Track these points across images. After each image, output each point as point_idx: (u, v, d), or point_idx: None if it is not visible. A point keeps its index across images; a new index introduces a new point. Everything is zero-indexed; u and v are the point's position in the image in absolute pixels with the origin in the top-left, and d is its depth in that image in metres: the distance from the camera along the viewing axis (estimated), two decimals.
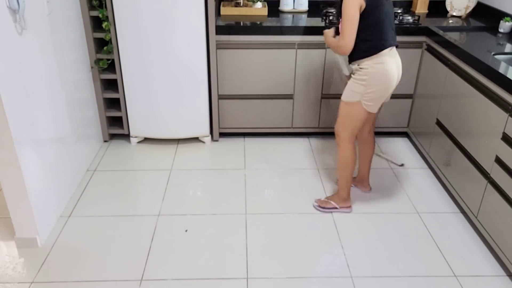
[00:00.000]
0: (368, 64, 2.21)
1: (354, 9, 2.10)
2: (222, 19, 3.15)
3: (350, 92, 2.31)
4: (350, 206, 2.58)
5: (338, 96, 3.21)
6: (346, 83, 2.45)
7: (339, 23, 2.25)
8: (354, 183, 2.77)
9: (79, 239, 2.36)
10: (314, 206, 2.60)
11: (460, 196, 2.57)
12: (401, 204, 2.67)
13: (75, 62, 2.78)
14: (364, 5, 2.11)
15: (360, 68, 2.24)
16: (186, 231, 2.40)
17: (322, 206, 2.57)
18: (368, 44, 2.20)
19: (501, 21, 2.89)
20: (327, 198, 2.62)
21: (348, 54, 2.22)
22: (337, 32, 2.34)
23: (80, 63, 2.88)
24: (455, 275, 2.15)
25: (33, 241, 2.28)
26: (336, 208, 2.56)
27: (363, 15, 2.13)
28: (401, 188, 2.82)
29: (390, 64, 2.23)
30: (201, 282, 2.09)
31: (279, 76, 3.15)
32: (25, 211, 2.21)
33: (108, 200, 2.68)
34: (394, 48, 2.27)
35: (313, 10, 3.40)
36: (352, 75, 2.32)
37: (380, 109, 2.44)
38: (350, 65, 2.34)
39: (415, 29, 3.05)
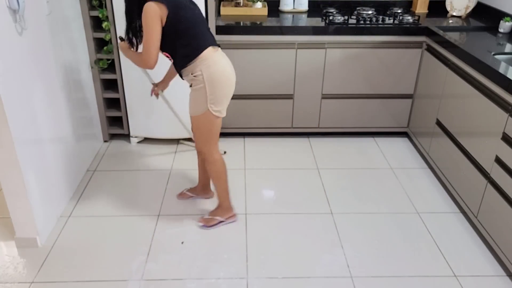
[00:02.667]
0: (200, 69, 2.10)
1: (155, 21, 1.99)
2: (222, 19, 3.15)
3: (195, 104, 2.19)
4: (234, 215, 2.49)
5: (339, 96, 3.25)
6: (153, 90, 2.57)
7: (129, 38, 2.18)
8: (195, 193, 2.68)
9: (79, 239, 2.36)
10: (200, 227, 2.45)
11: (460, 196, 2.57)
12: (401, 204, 2.67)
13: (75, 62, 2.78)
14: (166, 13, 2.00)
15: (195, 76, 2.13)
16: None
17: (209, 224, 2.43)
18: (188, 48, 2.10)
19: (501, 21, 2.89)
20: (210, 214, 2.48)
21: (153, 68, 2.09)
22: (133, 45, 2.23)
23: (80, 63, 2.88)
24: (455, 275, 2.15)
25: (33, 241, 2.28)
26: (222, 221, 2.45)
27: (171, 22, 2.02)
28: (401, 188, 2.82)
29: (221, 63, 2.15)
30: (201, 282, 2.09)
31: (279, 76, 3.15)
32: (25, 211, 2.21)
33: (108, 200, 2.68)
34: (219, 49, 2.20)
35: (313, 10, 3.40)
36: (190, 87, 2.20)
37: None
38: (184, 77, 2.23)
39: (415, 29, 3.05)
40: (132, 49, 2.22)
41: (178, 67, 2.18)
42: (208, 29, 2.21)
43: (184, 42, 2.09)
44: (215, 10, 2.97)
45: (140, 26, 2.10)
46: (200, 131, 2.26)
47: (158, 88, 2.58)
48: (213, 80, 2.12)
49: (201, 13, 2.18)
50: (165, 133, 3.27)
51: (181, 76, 2.24)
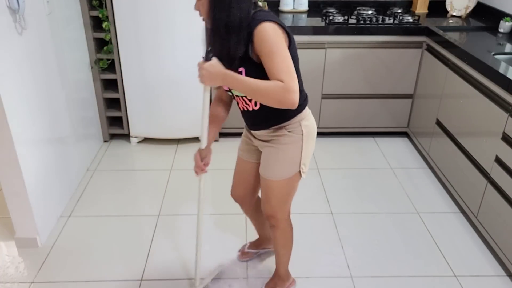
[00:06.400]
0: (300, 123, 1.63)
1: (284, 42, 1.46)
2: None
3: (283, 165, 1.67)
4: (294, 280, 2.09)
5: (339, 96, 3.24)
6: (200, 164, 1.78)
7: (229, 66, 1.48)
8: (258, 248, 2.25)
9: (79, 239, 2.36)
10: None
11: (460, 196, 2.57)
12: (401, 204, 2.67)
13: (75, 62, 2.78)
14: (287, 40, 1.49)
15: (289, 132, 1.62)
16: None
17: None
18: (301, 95, 1.52)
19: (501, 21, 2.89)
20: (268, 287, 2.04)
21: (296, 106, 1.42)
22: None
23: (80, 63, 2.89)
24: (455, 275, 2.15)
25: (33, 241, 2.28)
26: None
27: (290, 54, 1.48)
28: (401, 188, 2.82)
29: (311, 114, 1.71)
30: (201, 282, 2.09)
31: None
32: (25, 211, 2.21)
33: (108, 200, 2.68)
34: None
35: (313, 10, 3.40)
36: (267, 142, 1.68)
37: None
38: (266, 131, 1.65)
39: (415, 29, 3.05)
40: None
41: (275, 119, 1.59)
42: None
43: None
44: None
45: (246, 53, 1.46)
46: (279, 196, 1.75)
47: (205, 157, 1.79)
48: (310, 136, 1.66)
49: None
50: (165, 133, 3.27)
51: (257, 128, 1.68)
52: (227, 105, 1.80)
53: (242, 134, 1.87)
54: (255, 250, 2.24)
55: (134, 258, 2.23)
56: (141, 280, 2.11)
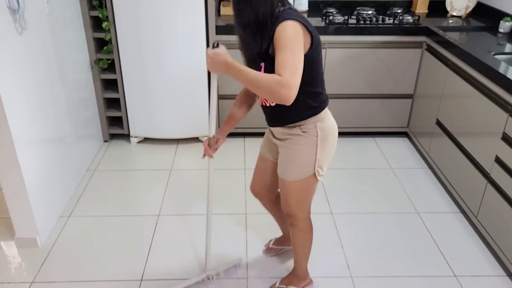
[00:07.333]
0: (315, 125, 1.62)
1: (301, 42, 1.43)
2: (222, 19, 3.15)
3: (297, 166, 1.68)
4: (311, 281, 2.08)
5: (339, 96, 3.24)
6: (208, 149, 1.84)
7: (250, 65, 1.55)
8: (285, 244, 2.27)
9: (79, 239, 2.36)
10: None
11: (460, 196, 2.57)
12: (401, 204, 2.67)
13: (75, 62, 2.78)
14: (309, 41, 1.48)
15: (304, 132, 1.63)
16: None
17: None
18: (317, 98, 1.60)
19: (501, 21, 2.89)
20: (282, 283, 2.03)
21: (290, 103, 1.39)
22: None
23: (80, 63, 2.89)
24: (455, 275, 2.15)
25: (33, 241, 2.28)
26: None
27: (309, 58, 1.48)
28: (401, 188, 2.82)
29: (331, 117, 1.70)
30: (201, 282, 2.09)
31: None
32: (25, 211, 2.21)
33: (108, 200, 2.68)
34: None
35: (313, 10, 3.40)
36: (282, 142, 1.69)
37: None
38: (280, 128, 1.67)
39: (415, 29, 3.05)
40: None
41: (289, 118, 1.61)
42: None
43: (313, 89, 1.58)
44: (215, 10, 2.97)
45: (267, 48, 1.49)
46: (296, 196, 1.77)
47: (218, 143, 1.88)
48: (327, 139, 1.65)
49: None
50: (165, 133, 3.27)
51: (273, 124, 1.71)
52: (248, 106, 1.84)
53: (266, 131, 1.91)
54: (279, 246, 2.27)
55: (134, 258, 2.23)
56: (141, 280, 2.11)
